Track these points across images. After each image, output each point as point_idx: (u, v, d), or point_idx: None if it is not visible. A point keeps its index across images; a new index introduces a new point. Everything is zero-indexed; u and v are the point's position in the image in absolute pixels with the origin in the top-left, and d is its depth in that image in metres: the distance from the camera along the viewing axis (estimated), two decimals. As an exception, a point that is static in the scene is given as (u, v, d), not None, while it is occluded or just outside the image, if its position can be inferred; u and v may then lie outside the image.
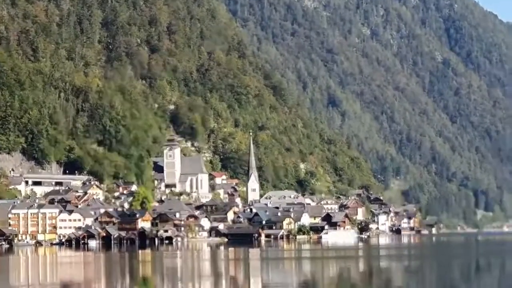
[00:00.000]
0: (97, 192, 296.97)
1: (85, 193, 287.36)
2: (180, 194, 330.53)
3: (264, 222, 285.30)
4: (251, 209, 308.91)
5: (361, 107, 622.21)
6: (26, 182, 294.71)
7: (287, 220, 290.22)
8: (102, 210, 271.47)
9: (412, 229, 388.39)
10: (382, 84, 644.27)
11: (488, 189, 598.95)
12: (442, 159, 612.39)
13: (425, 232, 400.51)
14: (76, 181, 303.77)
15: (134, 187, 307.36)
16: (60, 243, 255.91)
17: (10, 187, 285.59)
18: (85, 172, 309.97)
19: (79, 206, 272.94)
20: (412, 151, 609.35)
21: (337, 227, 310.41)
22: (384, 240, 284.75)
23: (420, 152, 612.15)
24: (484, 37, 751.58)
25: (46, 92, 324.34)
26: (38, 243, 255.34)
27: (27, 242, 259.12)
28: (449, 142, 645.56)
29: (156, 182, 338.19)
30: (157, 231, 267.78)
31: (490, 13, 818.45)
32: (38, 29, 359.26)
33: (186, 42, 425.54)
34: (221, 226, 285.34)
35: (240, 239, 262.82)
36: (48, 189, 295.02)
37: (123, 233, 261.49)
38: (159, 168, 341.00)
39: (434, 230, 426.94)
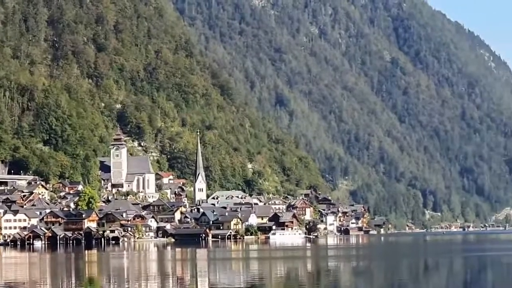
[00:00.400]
0: (42, 192, 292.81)
1: (31, 193, 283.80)
2: (127, 194, 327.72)
3: (211, 222, 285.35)
4: (198, 209, 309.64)
5: (309, 107, 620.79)
6: None
7: (234, 220, 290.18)
8: (47, 210, 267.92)
9: (360, 229, 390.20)
10: (330, 83, 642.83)
11: (437, 189, 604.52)
12: (391, 158, 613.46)
13: (373, 232, 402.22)
14: (21, 180, 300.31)
15: (80, 187, 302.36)
16: (5, 244, 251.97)
17: None
18: (30, 172, 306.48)
19: (25, 206, 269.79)
20: (360, 151, 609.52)
21: (285, 227, 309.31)
22: (332, 241, 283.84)
23: (368, 152, 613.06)
24: (432, 36, 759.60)
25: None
26: None
27: None
28: (397, 141, 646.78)
29: (102, 182, 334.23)
30: (104, 231, 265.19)
31: (439, 12, 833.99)
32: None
33: (133, 40, 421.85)
34: (168, 226, 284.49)
35: (187, 239, 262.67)
36: None
37: (69, 234, 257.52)
38: (105, 168, 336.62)
39: (382, 230, 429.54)
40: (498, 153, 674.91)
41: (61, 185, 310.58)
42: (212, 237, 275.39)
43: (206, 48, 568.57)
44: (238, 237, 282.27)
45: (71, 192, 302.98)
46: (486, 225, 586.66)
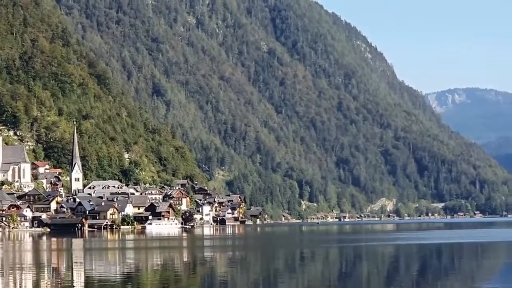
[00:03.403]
0: None
1: None
2: (2, 183, 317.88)
3: (87, 212, 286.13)
4: (74, 199, 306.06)
5: (186, 97, 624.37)
6: None
7: (111, 210, 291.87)
8: None
9: (236, 219, 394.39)
10: (207, 73, 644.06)
11: (313, 180, 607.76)
12: (267, 149, 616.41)
13: (249, 222, 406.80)
14: None
15: None
16: None
17: None
18: None
19: None
20: (237, 141, 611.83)
21: (161, 217, 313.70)
22: (208, 231, 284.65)
23: (245, 142, 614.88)
24: (309, 27, 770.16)
25: None
26: None
27: None
28: (274, 132, 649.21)
29: None
30: None
31: (316, 3, 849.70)
32: None
33: (9, 29, 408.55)
34: (44, 216, 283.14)
35: (63, 229, 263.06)
36: None
37: None
38: None
39: (258, 221, 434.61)
40: (374, 144, 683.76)
41: None
42: (89, 227, 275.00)
43: (83, 37, 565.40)
44: (114, 227, 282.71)
45: None
46: (362, 215, 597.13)
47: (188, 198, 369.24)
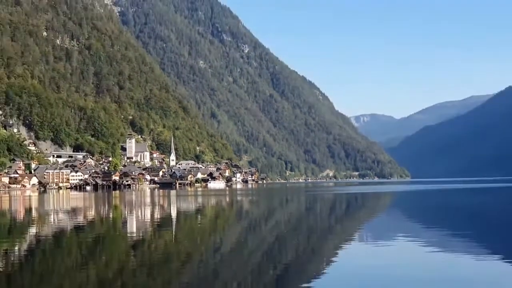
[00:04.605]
0: (90, 161, 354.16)
1: (85, 161, 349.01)
2: (135, 162, 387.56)
3: (178, 176, 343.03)
4: (171, 170, 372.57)
5: (227, 118, 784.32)
6: (53, 156, 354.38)
7: (190, 176, 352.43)
8: (93, 170, 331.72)
9: (253, 180, 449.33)
10: (238, 106, 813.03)
11: (292, 161, 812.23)
12: (269, 145, 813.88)
13: (260, 182, 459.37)
14: (79, 155, 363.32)
15: (110, 158, 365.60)
16: (71, 188, 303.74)
17: (45, 158, 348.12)
18: (84, 151, 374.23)
19: (81, 168, 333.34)
20: (254, 141, 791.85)
21: (215, 179, 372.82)
22: (239, 186, 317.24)
23: (257, 141, 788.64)
24: (291, 82, 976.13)
25: None
26: (59, 188, 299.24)
27: (54, 187, 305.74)
28: (272, 136, 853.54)
29: (122, 155, 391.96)
30: (122, 181, 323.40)
31: (294, 71, 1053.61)
32: None
33: (138, 83, 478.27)
34: (156, 179, 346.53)
35: (165, 185, 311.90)
36: (65, 159, 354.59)
37: (104, 182, 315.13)
38: (123, 149, 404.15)
39: (264, 181, 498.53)
40: (323, 142, 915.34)
41: (100, 157, 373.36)
42: (178, 184, 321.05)
43: (176, 87, 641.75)
44: (191, 184, 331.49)
45: (105, 161, 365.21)
46: (317, 178, 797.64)
47: (229, 169, 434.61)
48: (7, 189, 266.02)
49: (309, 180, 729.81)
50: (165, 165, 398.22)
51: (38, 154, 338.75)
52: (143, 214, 70.87)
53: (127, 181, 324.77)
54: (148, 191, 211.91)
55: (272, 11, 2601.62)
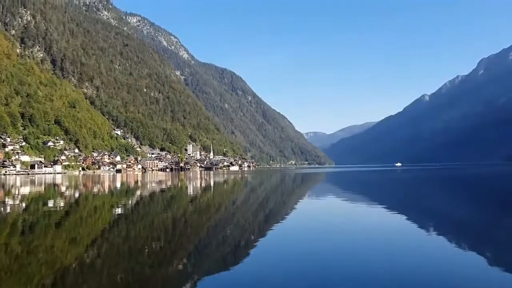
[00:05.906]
0: (169, 156, 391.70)
1: (165, 156, 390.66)
2: (192, 157, 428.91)
3: (214, 164, 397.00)
4: (210, 161, 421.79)
5: (240, 133, 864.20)
6: (149, 153, 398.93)
7: (220, 164, 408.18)
8: (170, 161, 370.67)
9: (253, 166, 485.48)
10: (243, 126, 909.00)
11: (273, 155, 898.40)
12: (260, 147, 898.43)
13: (256, 167, 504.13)
14: (163, 153, 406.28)
15: (179, 155, 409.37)
16: (159, 170, 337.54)
17: (145, 154, 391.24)
18: (166, 150, 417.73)
19: (164, 160, 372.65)
20: (252, 144, 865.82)
21: (233, 165, 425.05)
22: (246, 169, 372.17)
23: (254, 144, 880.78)
24: (271, 114, 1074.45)
25: None
26: (152, 170, 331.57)
27: (150, 170, 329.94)
28: (262, 142, 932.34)
29: (185, 153, 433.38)
30: (185, 167, 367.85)
31: (270, 106, 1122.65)
32: None
33: (181, 112, 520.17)
34: (202, 165, 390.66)
35: (207, 169, 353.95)
36: (155, 155, 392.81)
37: (176, 167, 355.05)
38: (186, 150, 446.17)
39: (259, 167, 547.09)
40: (291, 148, 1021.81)
41: (173, 154, 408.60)
42: (214, 168, 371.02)
43: (209, 115, 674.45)
44: (221, 168, 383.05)
45: (176, 156, 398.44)
46: (286, 165, 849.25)
47: (240, 160, 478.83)
48: (125, 170, 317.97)
49: (282, 166, 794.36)
50: (207, 158, 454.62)
51: (141, 153, 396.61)
52: (195, 184, 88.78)
53: (187, 167, 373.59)
54: (199, 172, 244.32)
55: (266, 75, 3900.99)
